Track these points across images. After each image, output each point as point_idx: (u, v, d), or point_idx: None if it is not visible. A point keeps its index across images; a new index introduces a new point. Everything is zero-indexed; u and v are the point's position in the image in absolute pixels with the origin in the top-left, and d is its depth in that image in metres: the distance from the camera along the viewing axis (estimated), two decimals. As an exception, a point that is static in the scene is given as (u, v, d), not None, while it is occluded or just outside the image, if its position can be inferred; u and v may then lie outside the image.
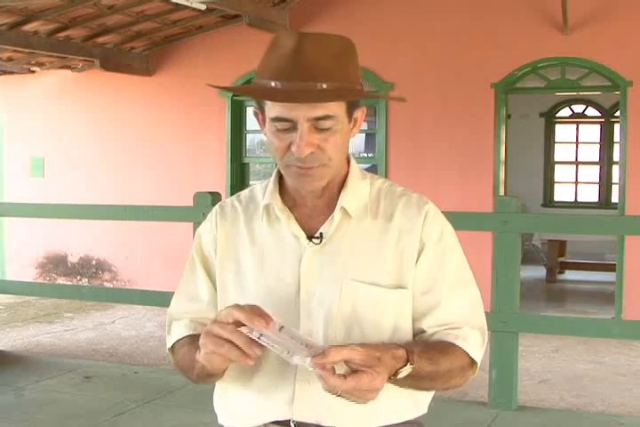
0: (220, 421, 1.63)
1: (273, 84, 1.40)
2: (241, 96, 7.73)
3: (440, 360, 1.46)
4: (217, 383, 1.62)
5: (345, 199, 1.53)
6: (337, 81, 1.41)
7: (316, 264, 1.51)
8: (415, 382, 1.45)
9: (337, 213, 1.52)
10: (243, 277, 1.56)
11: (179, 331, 1.61)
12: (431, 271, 1.54)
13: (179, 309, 1.65)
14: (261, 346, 1.31)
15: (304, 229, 1.54)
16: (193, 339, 1.54)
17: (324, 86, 1.39)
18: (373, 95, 1.33)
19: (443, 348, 1.50)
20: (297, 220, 1.54)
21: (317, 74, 1.39)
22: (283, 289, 1.51)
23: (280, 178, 1.59)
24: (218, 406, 1.64)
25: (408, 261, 1.52)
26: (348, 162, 1.59)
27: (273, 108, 1.43)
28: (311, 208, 1.55)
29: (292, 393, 1.48)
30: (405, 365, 1.38)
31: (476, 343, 1.54)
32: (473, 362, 1.54)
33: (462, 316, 1.55)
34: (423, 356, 1.43)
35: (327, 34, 1.47)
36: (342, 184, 1.56)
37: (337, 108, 1.43)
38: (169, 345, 1.63)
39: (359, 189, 1.56)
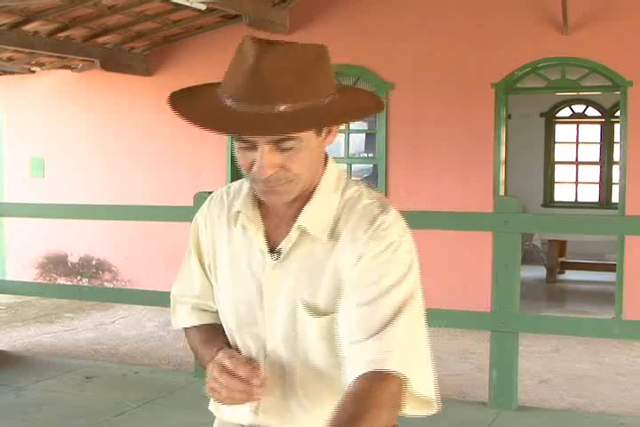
0: (211, 408, 1.67)
1: (229, 102, 1.32)
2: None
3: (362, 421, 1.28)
4: None
5: (304, 217, 1.44)
6: (299, 100, 1.30)
7: (274, 279, 1.47)
8: None
9: (294, 232, 1.45)
10: (221, 274, 1.57)
11: (187, 319, 1.67)
12: (359, 282, 1.39)
13: (180, 291, 1.69)
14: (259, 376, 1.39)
15: (270, 241, 1.49)
16: (202, 333, 1.63)
17: (282, 108, 1.29)
18: (339, 120, 1.22)
19: (361, 401, 1.30)
20: (266, 230, 1.50)
21: (275, 95, 1.29)
22: (250, 295, 1.51)
23: None
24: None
25: (341, 281, 1.41)
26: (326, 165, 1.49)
27: None
28: (281, 218, 1.50)
29: (257, 403, 1.51)
30: None
31: (386, 353, 1.34)
32: (400, 380, 1.33)
33: (369, 333, 1.36)
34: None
35: (292, 45, 1.33)
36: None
37: None
38: (176, 327, 1.70)
39: (325, 204, 1.46)
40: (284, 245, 1.46)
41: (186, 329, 1.69)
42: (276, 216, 1.50)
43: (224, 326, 1.59)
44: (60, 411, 4.21)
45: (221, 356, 1.44)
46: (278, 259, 1.47)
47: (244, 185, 1.58)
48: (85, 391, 4.56)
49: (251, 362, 1.44)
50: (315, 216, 1.45)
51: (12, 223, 8.61)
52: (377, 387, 1.31)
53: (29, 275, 8.74)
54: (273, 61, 1.29)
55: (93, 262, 8.65)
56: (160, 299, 5.11)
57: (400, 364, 1.33)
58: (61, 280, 8.78)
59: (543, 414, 4.32)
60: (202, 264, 1.62)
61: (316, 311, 1.43)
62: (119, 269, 8.52)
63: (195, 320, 1.66)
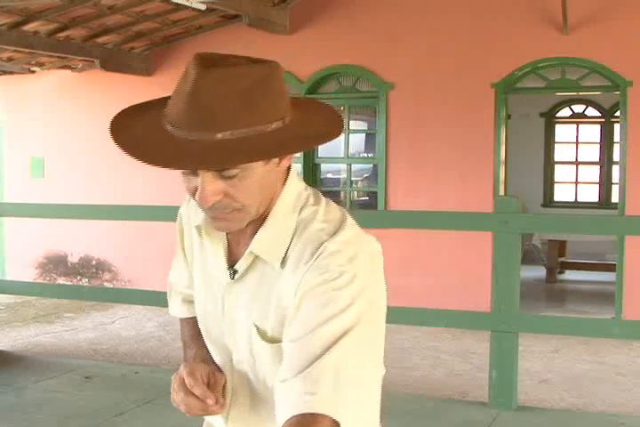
0: None
1: (169, 127, 1.24)
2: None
3: None
4: None
5: (256, 243, 1.36)
6: (241, 127, 1.21)
7: (232, 298, 1.43)
8: None
9: (247, 256, 1.38)
10: (196, 278, 1.55)
11: (179, 310, 1.70)
12: (295, 316, 1.29)
13: (174, 280, 1.70)
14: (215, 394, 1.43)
15: (231, 255, 1.44)
16: (190, 328, 1.64)
17: (221, 136, 1.20)
18: (283, 151, 1.28)
19: None
20: (229, 243, 1.44)
21: (214, 122, 1.21)
22: (215, 311, 1.48)
23: None
24: None
25: (285, 311, 1.34)
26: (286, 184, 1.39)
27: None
28: (242, 233, 1.42)
29: (227, 412, 1.51)
30: None
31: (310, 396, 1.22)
32: (331, 422, 1.21)
33: (295, 375, 1.24)
34: None
35: (236, 66, 1.23)
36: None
37: None
38: (171, 314, 1.73)
39: (279, 229, 1.36)
40: (240, 265, 1.40)
41: (179, 318, 1.72)
42: (240, 231, 1.41)
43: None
44: (59, 411, 4.21)
45: (182, 370, 1.44)
46: (234, 278, 1.42)
47: None
48: (85, 391, 4.56)
49: (214, 376, 1.45)
50: (267, 242, 1.36)
51: (12, 223, 8.62)
52: None
53: (29, 275, 8.74)
54: (212, 87, 1.20)
55: (93, 262, 8.65)
56: (160, 299, 5.11)
57: (328, 405, 1.20)
58: (61, 280, 8.77)
59: (543, 414, 4.31)
60: (186, 259, 1.60)
61: (265, 338, 1.38)
62: (119, 269, 8.52)
63: (185, 313, 1.68)
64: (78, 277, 8.71)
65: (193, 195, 1.29)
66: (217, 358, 1.52)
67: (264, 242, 1.36)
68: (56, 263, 8.80)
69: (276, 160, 1.30)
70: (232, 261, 1.42)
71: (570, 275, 9.56)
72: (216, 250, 1.44)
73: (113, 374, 4.99)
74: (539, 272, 9.36)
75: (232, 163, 1.23)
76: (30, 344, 6.24)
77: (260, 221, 1.37)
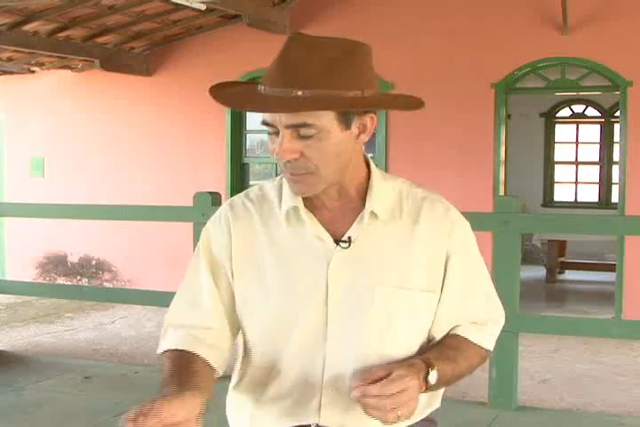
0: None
1: (261, 88, 1.41)
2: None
3: (458, 358, 1.59)
4: (228, 398, 1.64)
5: (373, 202, 1.50)
6: (321, 88, 1.36)
7: (345, 269, 1.48)
8: (444, 383, 1.55)
9: (366, 217, 1.49)
10: (265, 283, 1.51)
11: (171, 341, 1.55)
12: (459, 279, 1.57)
13: (177, 314, 1.59)
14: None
15: (329, 233, 1.50)
16: (173, 360, 1.50)
17: (299, 93, 1.35)
18: (355, 106, 1.40)
19: (457, 345, 1.61)
20: (321, 223, 1.51)
21: (295, 80, 1.36)
22: (310, 295, 1.48)
23: None
24: (233, 419, 1.63)
25: (436, 267, 1.54)
26: (368, 165, 1.56)
27: (262, 113, 1.45)
28: (331, 210, 1.52)
29: (320, 399, 1.49)
30: (428, 371, 1.43)
31: (492, 337, 1.73)
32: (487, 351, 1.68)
33: (485, 314, 1.71)
34: (440, 358, 1.50)
35: (324, 38, 1.40)
36: (363, 187, 1.53)
37: (317, 117, 1.38)
38: (159, 351, 1.57)
39: (384, 192, 1.53)
40: (354, 232, 1.49)
41: (165, 353, 1.54)
42: (325, 209, 1.52)
43: (259, 349, 1.53)
44: (59, 411, 4.20)
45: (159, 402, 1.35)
46: (349, 247, 1.48)
47: (265, 188, 1.59)
48: (85, 391, 4.56)
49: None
50: (380, 202, 1.51)
51: (12, 223, 8.61)
52: (478, 353, 1.69)
53: (29, 275, 8.74)
54: (299, 51, 1.37)
55: (93, 262, 8.65)
56: (160, 299, 5.10)
57: (493, 342, 1.74)
58: (61, 280, 8.78)
59: (543, 414, 4.31)
60: (215, 279, 1.56)
61: (409, 289, 1.50)
62: (119, 269, 8.52)
63: (179, 345, 1.52)
64: (78, 277, 8.71)
65: (274, 155, 1.44)
66: (294, 361, 1.49)
67: (378, 202, 1.51)
68: (56, 263, 8.80)
69: (355, 132, 1.44)
70: (333, 238, 1.50)
71: (570, 275, 9.56)
72: (313, 226, 1.50)
73: (113, 374, 4.98)
74: (539, 272, 9.36)
75: (302, 109, 1.36)
76: (30, 344, 6.24)
77: (352, 194, 1.51)
